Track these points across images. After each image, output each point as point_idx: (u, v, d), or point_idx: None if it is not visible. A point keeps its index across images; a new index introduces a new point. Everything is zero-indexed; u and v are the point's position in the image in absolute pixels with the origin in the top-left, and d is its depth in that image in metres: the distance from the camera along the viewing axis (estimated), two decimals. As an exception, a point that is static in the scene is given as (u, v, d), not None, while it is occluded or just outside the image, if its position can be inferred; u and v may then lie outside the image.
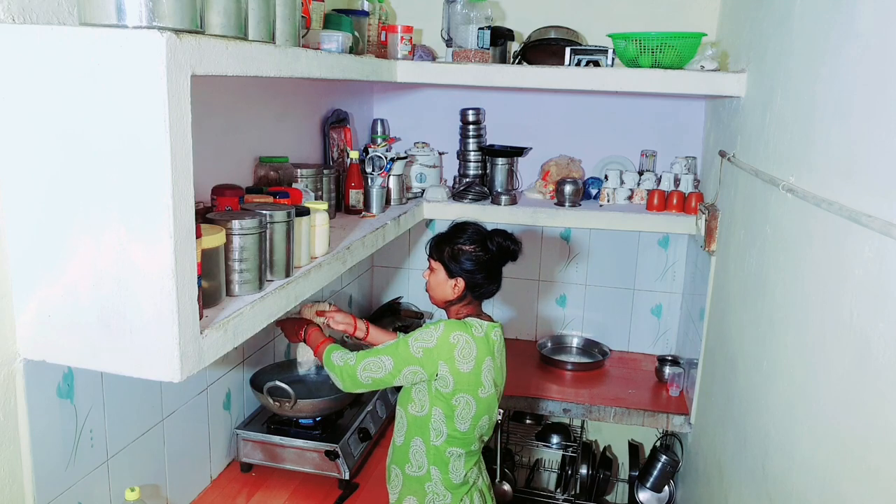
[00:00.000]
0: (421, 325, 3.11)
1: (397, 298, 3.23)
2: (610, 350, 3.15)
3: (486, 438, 1.94)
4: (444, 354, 1.74)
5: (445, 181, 3.07)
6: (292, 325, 2.05)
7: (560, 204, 2.79)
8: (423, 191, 2.86)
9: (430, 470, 1.82)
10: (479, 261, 1.85)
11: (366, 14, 2.36)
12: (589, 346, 3.19)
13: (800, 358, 1.41)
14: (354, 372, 1.79)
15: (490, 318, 1.90)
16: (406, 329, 2.95)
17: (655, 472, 2.89)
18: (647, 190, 2.80)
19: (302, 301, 1.70)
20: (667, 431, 2.96)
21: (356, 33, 2.15)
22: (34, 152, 1.17)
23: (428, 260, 1.93)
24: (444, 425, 1.79)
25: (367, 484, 2.12)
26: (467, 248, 1.86)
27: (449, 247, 1.87)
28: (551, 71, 2.35)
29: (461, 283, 1.85)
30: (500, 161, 2.87)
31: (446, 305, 1.91)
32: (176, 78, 1.09)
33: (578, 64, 2.44)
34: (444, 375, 1.75)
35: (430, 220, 3.22)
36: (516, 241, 1.91)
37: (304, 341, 2.00)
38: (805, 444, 1.35)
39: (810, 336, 1.36)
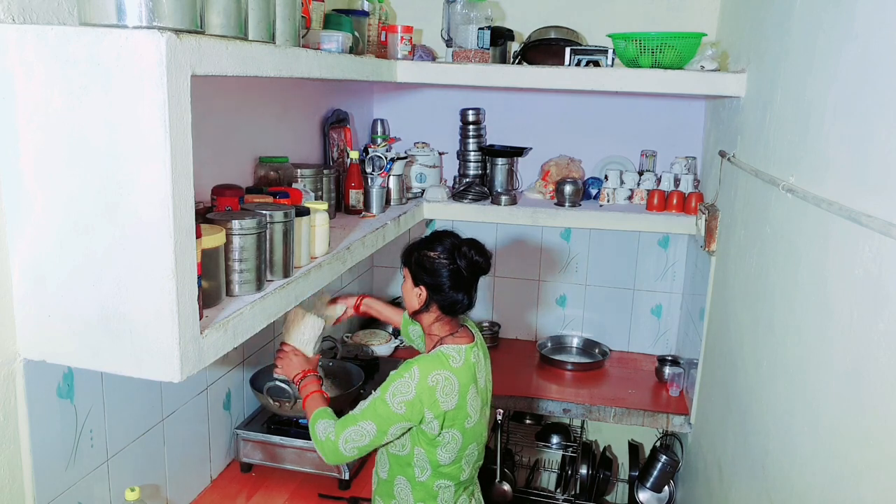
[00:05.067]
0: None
1: (397, 298, 3.23)
2: (610, 350, 3.15)
3: (479, 465, 1.86)
4: (426, 401, 1.65)
5: (445, 181, 3.07)
6: (293, 362, 1.91)
7: (560, 204, 2.79)
8: (423, 191, 2.86)
9: None
10: (441, 268, 1.74)
11: (366, 14, 2.36)
12: (589, 346, 3.19)
13: (800, 358, 1.41)
14: (336, 446, 1.66)
15: (468, 333, 1.81)
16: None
17: (655, 472, 2.88)
18: (647, 190, 2.80)
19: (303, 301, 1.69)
20: (667, 431, 2.96)
21: (356, 33, 2.15)
22: (34, 152, 1.17)
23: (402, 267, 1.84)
24: (427, 463, 1.73)
25: (368, 484, 2.12)
26: (432, 254, 1.75)
27: (417, 252, 1.77)
28: (551, 71, 2.35)
29: (424, 291, 1.75)
30: (500, 161, 2.87)
31: (415, 316, 1.81)
32: (176, 78, 1.09)
33: (578, 64, 2.44)
34: (429, 420, 1.67)
35: (430, 220, 3.22)
36: (485, 254, 1.78)
37: (297, 385, 1.88)
38: (805, 444, 1.35)
39: (810, 336, 1.36)
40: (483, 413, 1.81)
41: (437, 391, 1.65)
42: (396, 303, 3.16)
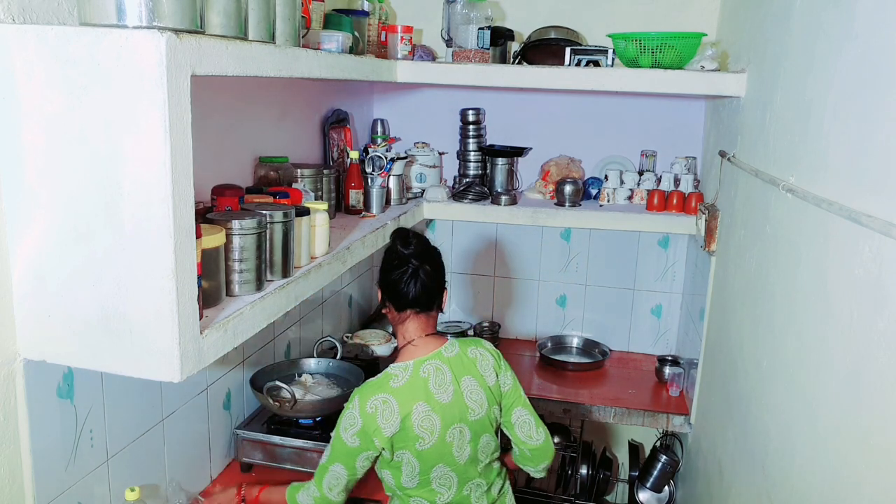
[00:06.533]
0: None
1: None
2: (610, 350, 3.15)
3: (479, 482, 1.80)
4: (370, 429, 1.63)
5: (445, 181, 3.07)
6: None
7: (560, 204, 2.79)
8: (423, 191, 2.86)
9: None
10: (384, 265, 1.80)
11: (366, 14, 2.36)
12: (589, 346, 3.19)
13: (800, 358, 1.41)
14: (327, 499, 1.68)
15: (436, 342, 1.75)
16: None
17: (655, 472, 2.88)
18: (647, 190, 2.80)
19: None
20: (667, 431, 2.96)
21: (356, 33, 2.15)
22: (34, 152, 1.17)
23: None
24: (394, 485, 1.74)
25: (368, 485, 2.12)
26: (384, 259, 1.81)
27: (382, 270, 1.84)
28: (551, 71, 2.35)
29: (380, 291, 1.82)
30: (500, 161, 2.87)
31: (392, 321, 1.83)
32: (176, 78, 1.09)
33: (578, 64, 2.44)
34: (379, 447, 1.66)
35: (431, 221, 3.22)
36: (406, 240, 1.75)
37: (247, 500, 1.82)
38: (805, 444, 1.35)
39: (810, 336, 1.36)
40: (453, 433, 1.69)
41: (378, 417, 1.64)
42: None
